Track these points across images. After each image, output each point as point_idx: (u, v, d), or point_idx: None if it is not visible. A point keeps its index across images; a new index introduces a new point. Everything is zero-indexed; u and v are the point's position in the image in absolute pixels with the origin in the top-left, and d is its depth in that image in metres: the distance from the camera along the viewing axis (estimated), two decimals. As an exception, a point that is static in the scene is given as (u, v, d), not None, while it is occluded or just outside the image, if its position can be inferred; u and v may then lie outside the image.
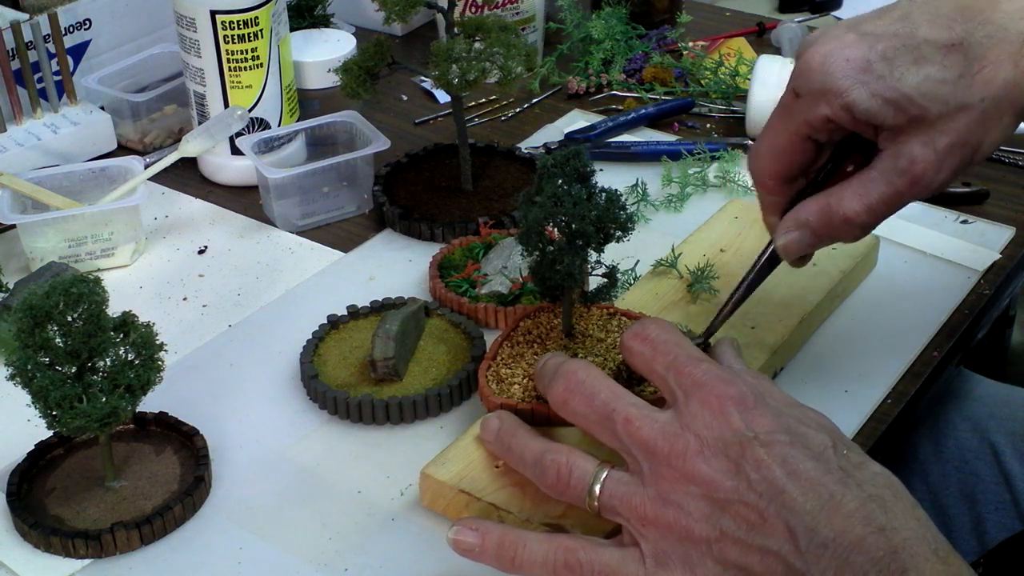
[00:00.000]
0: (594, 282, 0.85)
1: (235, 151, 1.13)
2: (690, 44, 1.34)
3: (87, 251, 1.03)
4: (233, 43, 1.09)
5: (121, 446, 0.83)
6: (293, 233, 1.08)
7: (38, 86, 1.18)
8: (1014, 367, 1.43)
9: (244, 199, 1.13)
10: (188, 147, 1.10)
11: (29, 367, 0.73)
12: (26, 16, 1.18)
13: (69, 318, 0.72)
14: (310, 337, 0.92)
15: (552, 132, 1.23)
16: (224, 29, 1.08)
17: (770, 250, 0.81)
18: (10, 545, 0.78)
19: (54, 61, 1.19)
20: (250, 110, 1.12)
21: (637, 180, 1.10)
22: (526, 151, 1.16)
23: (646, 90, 1.28)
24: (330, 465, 0.83)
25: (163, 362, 0.77)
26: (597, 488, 0.67)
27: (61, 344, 0.72)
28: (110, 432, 0.77)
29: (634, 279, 0.94)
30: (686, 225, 1.03)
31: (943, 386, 1.03)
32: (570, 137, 1.20)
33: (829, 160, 0.78)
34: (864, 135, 0.75)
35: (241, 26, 1.08)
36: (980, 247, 1.02)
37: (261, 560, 0.76)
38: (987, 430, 1.07)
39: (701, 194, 1.11)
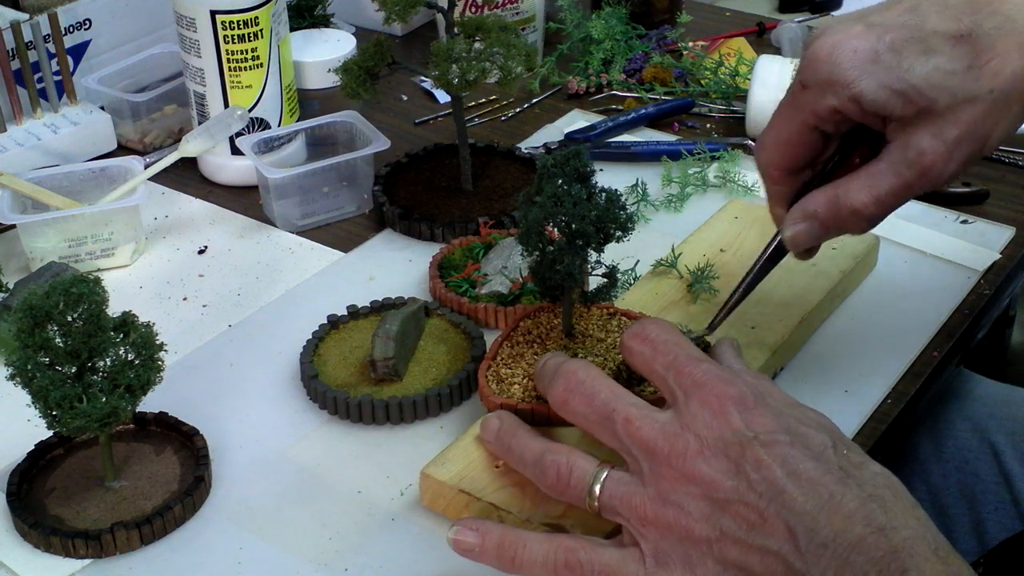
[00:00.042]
0: (594, 282, 0.85)
1: (235, 151, 1.13)
2: (690, 44, 1.34)
3: (87, 251, 1.03)
4: (233, 43, 1.09)
5: (121, 446, 0.83)
6: (293, 233, 1.08)
7: (38, 86, 1.18)
8: (1014, 367, 1.43)
9: (244, 199, 1.13)
10: (188, 147, 1.10)
11: (29, 367, 0.73)
12: (26, 16, 1.18)
13: (69, 318, 0.72)
14: (310, 337, 0.92)
15: (552, 132, 1.23)
16: (224, 29, 1.08)
17: (776, 242, 0.81)
18: (10, 545, 0.78)
19: (54, 61, 1.19)
20: (250, 110, 1.12)
21: (637, 180, 1.10)
22: (526, 151, 1.16)
23: (646, 90, 1.28)
24: (330, 465, 0.83)
25: (163, 362, 0.77)
26: (597, 488, 0.67)
27: (61, 344, 0.72)
28: (110, 432, 0.77)
29: (634, 279, 0.94)
30: (686, 225, 1.03)
31: (943, 386, 1.03)
32: (570, 137, 1.20)
33: (836, 152, 0.78)
34: (872, 126, 0.74)
35: (241, 26, 1.08)
36: (980, 247, 1.02)
37: (261, 560, 0.76)
38: (987, 430, 1.07)
39: (701, 194, 1.11)
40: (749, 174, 1.12)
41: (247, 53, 1.09)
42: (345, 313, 0.94)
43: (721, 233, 0.99)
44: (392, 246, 1.06)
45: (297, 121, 1.17)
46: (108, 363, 0.74)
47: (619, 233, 0.77)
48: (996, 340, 1.35)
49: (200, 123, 1.13)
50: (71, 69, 1.21)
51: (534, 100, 1.29)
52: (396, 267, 1.03)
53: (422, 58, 1.20)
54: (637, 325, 0.72)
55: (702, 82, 1.29)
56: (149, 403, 0.79)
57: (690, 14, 1.39)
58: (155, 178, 1.09)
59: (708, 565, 0.63)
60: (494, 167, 1.13)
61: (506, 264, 0.96)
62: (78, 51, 1.23)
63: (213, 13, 1.07)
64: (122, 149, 1.22)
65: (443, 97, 1.30)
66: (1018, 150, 1.16)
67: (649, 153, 1.16)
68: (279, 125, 1.15)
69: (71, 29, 1.22)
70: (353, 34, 1.38)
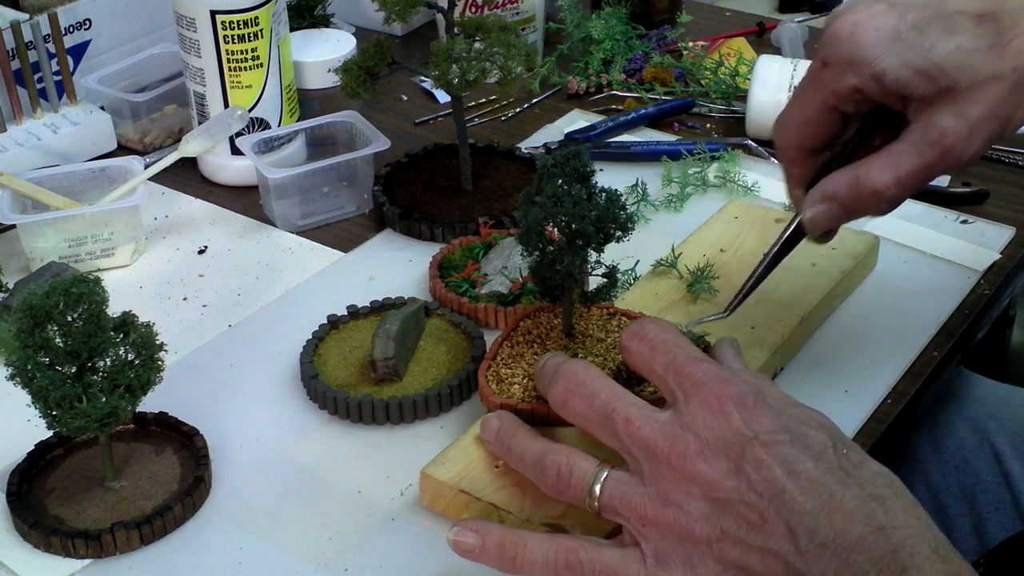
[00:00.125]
0: (594, 282, 0.85)
1: (235, 151, 1.13)
2: (690, 44, 1.34)
3: (87, 251, 1.03)
4: (233, 43, 1.09)
5: (121, 446, 0.83)
6: (293, 233, 1.08)
7: (38, 86, 1.18)
8: (1014, 367, 1.43)
9: (244, 199, 1.13)
10: (188, 147, 1.10)
11: (29, 367, 0.73)
12: (26, 16, 1.18)
13: (69, 318, 0.72)
14: (310, 337, 0.92)
15: (552, 132, 1.23)
16: (224, 29, 1.08)
17: (794, 224, 0.80)
18: (10, 545, 0.78)
19: (54, 61, 1.19)
20: (250, 110, 1.12)
21: (637, 180, 1.10)
22: (526, 151, 1.16)
23: (646, 90, 1.28)
24: (330, 465, 0.83)
25: (163, 362, 0.77)
26: (597, 488, 0.67)
27: (61, 344, 0.72)
28: (110, 432, 0.77)
29: (634, 279, 0.94)
30: (686, 225, 1.03)
31: (943, 386, 1.03)
32: (570, 137, 1.20)
33: (856, 134, 0.77)
34: (892, 106, 0.74)
35: (241, 26, 1.08)
36: (980, 247, 1.02)
37: (261, 560, 0.76)
38: (987, 430, 1.07)
39: (701, 194, 1.11)
40: (749, 174, 1.12)
41: (247, 53, 1.09)
42: (345, 313, 0.94)
43: (721, 233, 0.99)
44: (392, 246, 1.06)
45: (297, 121, 1.17)
46: (108, 363, 0.74)
47: (619, 233, 0.77)
48: (996, 340, 1.35)
49: (200, 123, 1.13)
50: (71, 69, 1.21)
51: (534, 100, 1.29)
52: (396, 267, 1.03)
53: (422, 58, 1.20)
54: (635, 325, 0.72)
55: (702, 82, 1.29)
56: (149, 403, 0.79)
57: (690, 14, 1.39)
58: (155, 178, 1.09)
59: (708, 565, 0.63)
60: (494, 167, 1.13)
61: (506, 264, 0.96)
62: (78, 51, 1.23)
63: (213, 13, 1.07)
64: (122, 149, 1.22)
65: (443, 97, 1.30)
66: (1018, 150, 1.16)
67: (649, 153, 1.16)
68: (279, 125, 1.15)
69: (71, 29, 1.22)
70: (353, 34, 1.38)
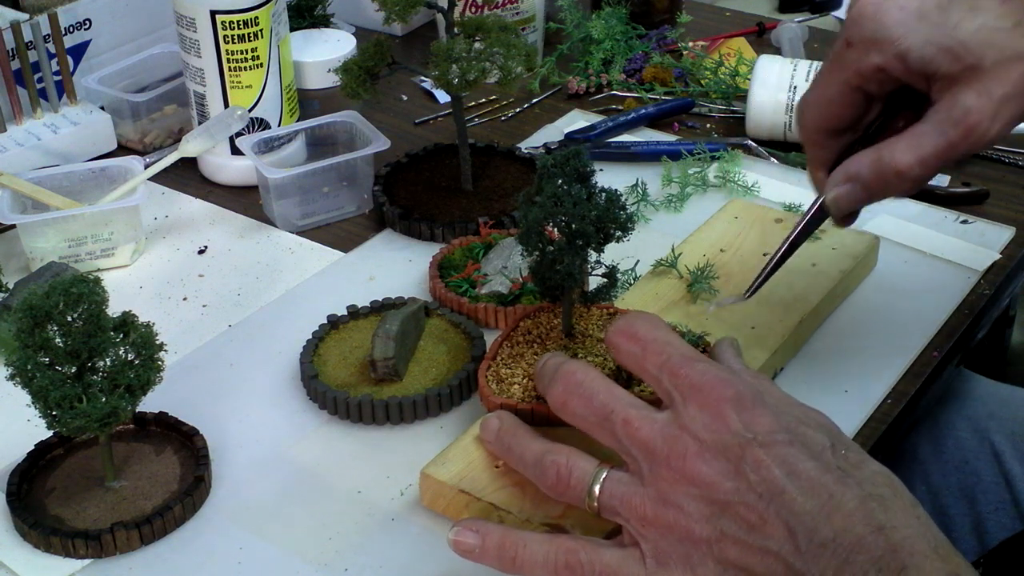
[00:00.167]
0: (594, 282, 0.85)
1: (235, 151, 1.13)
2: (690, 44, 1.34)
3: (87, 251, 1.03)
4: (233, 43, 1.09)
5: (121, 446, 0.83)
6: (293, 233, 1.08)
7: (38, 86, 1.18)
8: (1014, 367, 1.43)
9: (244, 199, 1.13)
10: (188, 147, 1.10)
11: (29, 367, 0.73)
12: (26, 16, 1.18)
13: (69, 318, 0.72)
14: (310, 337, 0.92)
15: (552, 132, 1.23)
16: (224, 29, 1.08)
17: (816, 206, 0.80)
18: (10, 545, 0.78)
19: (54, 61, 1.19)
20: (250, 110, 1.12)
21: (637, 180, 1.10)
22: (526, 151, 1.16)
23: (646, 90, 1.28)
24: (330, 465, 0.83)
25: (163, 362, 0.77)
26: (597, 488, 0.67)
27: (61, 344, 0.72)
28: (110, 432, 0.77)
29: (634, 279, 0.94)
30: (686, 225, 1.03)
31: (943, 386, 1.03)
32: (570, 137, 1.20)
33: (879, 116, 0.77)
34: (915, 86, 0.74)
35: (241, 26, 1.08)
36: (980, 247, 1.02)
37: (261, 560, 0.76)
38: (987, 430, 1.07)
39: (701, 194, 1.11)
40: (749, 174, 1.12)
41: (247, 53, 1.09)
42: (345, 313, 0.94)
43: (721, 233, 0.99)
44: (392, 246, 1.06)
45: (297, 121, 1.17)
46: (108, 363, 0.74)
47: (619, 233, 0.77)
48: (996, 340, 1.35)
49: (200, 123, 1.13)
50: (71, 69, 1.21)
51: (534, 100, 1.29)
52: (396, 267, 1.03)
53: (422, 58, 1.20)
54: (623, 321, 0.70)
55: (702, 82, 1.29)
56: (149, 403, 0.79)
57: (690, 14, 1.39)
58: (155, 178, 1.09)
59: (708, 565, 0.63)
60: (494, 167, 1.13)
61: (506, 264, 0.96)
62: (78, 51, 1.23)
63: (213, 13, 1.07)
64: (122, 149, 1.22)
65: (443, 97, 1.30)
66: (1018, 150, 1.16)
67: (649, 153, 1.16)
68: (279, 125, 1.15)
69: (71, 29, 1.22)
70: (353, 34, 1.38)
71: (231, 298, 1.01)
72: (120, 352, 0.75)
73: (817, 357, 0.91)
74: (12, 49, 1.16)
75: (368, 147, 1.09)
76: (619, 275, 0.83)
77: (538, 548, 0.67)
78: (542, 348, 0.83)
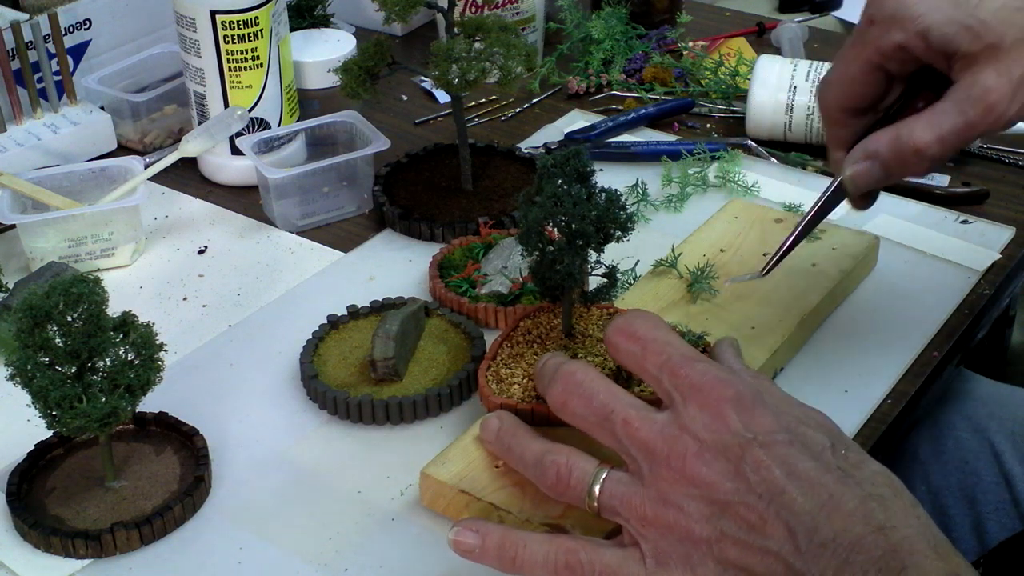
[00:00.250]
0: (594, 282, 0.85)
1: (235, 151, 1.13)
2: (690, 44, 1.34)
3: (87, 251, 1.03)
4: (233, 43, 1.09)
5: (121, 446, 0.83)
6: (293, 233, 1.08)
7: (38, 86, 1.18)
8: (1014, 367, 1.43)
9: (244, 199, 1.13)
10: (188, 147, 1.10)
11: (29, 367, 0.73)
12: (26, 16, 1.18)
13: (69, 318, 0.72)
14: (310, 337, 0.92)
15: (552, 132, 1.23)
16: (224, 29, 1.08)
17: (833, 186, 0.80)
18: (10, 545, 0.78)
19: (54, 61, 1.19)
20: (250, 110, 1.12)
21: (637, 180, 1.10)
22: (526, 151, 1.16)
23: (646, 90, 1.28)
24: (330, 465, 0.83)
25: (163, 362, 0.77)
26: (597, 488, 0.67)
27: (61, 344, 0.72)
28: (110, 432, 0.77)
29: (634, 279, 0.94)
30: (686, 225, 1.03)
31: (943, 386, 1.03)
32: (570, 137, 1.20)
33: (900, 97, 0.78)
34: (936, 66, 0.74)
35: (241, 26, 1.08)
36: (980, 247, 1.02)
37: (261, 560, 0.76)
38: (987, 430, 1.07)
39: (701, 194, 1.11)
40: (749, 174, 1.12)
41: (247, 53, 1.09)
42: (345, 313, 0.94)
43: (721, 233, 0.99)
44: (392, 246, 1.06)
45: (297, 121, 1.17)
46: (108, 363, 0.74)
47: (619, 233, 0.77)
48: (996, 340, 1.35)
49: (200, 123, 1.13)
50: (71, 69, 1.21)
51: (534, 100, 1.29)
52: (396, 267, 1.03)
53: (422, 58, 1.20)
54: (622, 320, 0.70)
55: (702, 82, 1.29)
56: (149, 403, 0.79)
57: (690, 14, 1.39)
58: (155, 178, 1.09)
59: (708, 565, 0.63)
60: (494, 167, 1.13)
61: (506, 264, 0.96)
62: (78, 51, 1.23)
63: (213, 13, 1.07)
64: (122, 149, 1.22)
65: (443, 97, 1.30)
66: (1018, 150, 1.16)
67: (649, 153, 1.16)
68: (279, 125, 1.15)
69: (71, 29, 1.22)
70: (353, 34, 1.38)
71: (231, 298, 1.01)
72: (120, 352, 0.75)
73: (817, 357, 0.91)
74: (12, 49, 1.16)
75: (368, 147, 1.09)
76: (619, 275, 0.83)
77: (538, 548, 0.67)
78: (542, 348, 0.83)
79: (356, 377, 0.88)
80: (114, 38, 1.26)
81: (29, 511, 0.78)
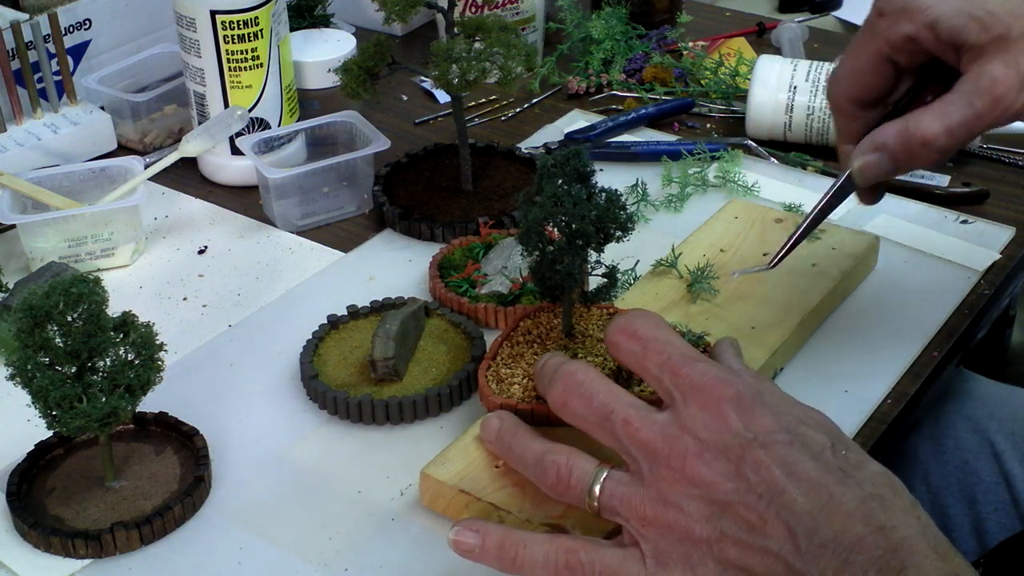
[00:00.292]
0: (594, 282, 0.85)
1: (235, 151, 1.13)
2: (690, 44, 1.34)
3: (87, 251, 1.03)
4: (233, 43, 1.09)
5: (121, 446, 0.83)
6: (293, 233, 1.08)
7: (38, 86, 1.18)
8: (1014, 367, 1.43)
9: (244, 199, 1.13)
10: (188, 147, 1.10)
11: (29, 367, 0.73)
12: (26, 16, 1.18)
13: (69, 318, 0.72)
14: (310, 337, 0.92)
15: (552, 132, 1.23)
16: (224, 29, 1.08)
17: (842, 180, 0.81)
18: (10, 545, 0.78)
19: (54, 61, 1.19)
20: (250, 110, 1.12)
21: (637, 180, 1.10)
22: (526, 151, 1.16)
23: (646, 90, 1.28)
24: (330, 465, 0.83)
25: (163, 362, 0.77)
26: (597, 488, 0.67)
27: (61, 344, 0.72)
28: (110, 432, 0.77)
29: (634, 279, 0.94)
30: (686, 225, 1.03)
31: (943, 386, 1.03)
32: (570, 137, 1.20)
33: (909, 91, 0.78)
34: (944, 58, 0.75)
35: (241, 26, 1.08)
36: (980, 247, 1.02)
37: (261, 560, 0.76)
38: (987, 430, 1.07)
39: (701, 194, 1.11)
40: (749, 174, 1.12)
41: (247, 53, 1.09)
42: (345, 313, 0.94)
43: (721, 233, 0.99)
44: (392, 246, 1.06)
45: (297, 121, 1.17)
46: (108, 363, 0.74)
47: (619, 233, 0.77)
48: (996, 340, 1.35)
49: (200, 123, 1.13)
50: (71, 69, 1.21)
51: (534, 100, 1.29)
52: (396, 267, 1.03)
53: (422, 58, 1.20)
54: (623, 319, 0.70)
55: (702, 82, 1.29)
56: (149, 403, 0.79)
57: (690, 14, 1.39)
58: (155, 178, 1.09)
59: (708, 565, 0.63)
60: (494, 167, 1.13)
61: (506, 264, 0.96)
62: (78, 51, 1.23)
63: (213, 13, 1.07)
64: (122, 149, 1.22)
65: (443, 97, 1.30)
66: (1018, 150, 1.16)
67: (649, 153, 1.16)
68: (279, 125, 1.15)
69: (71, 29, 1.22)
70: (353, 34, 1.38)
71: (231, 298, 1.01)
72: (120, 352, 0.75)
73: (817, 357, 0.91)
74: (12, 49, 1.16)
75: (368, 147, 1.09)
76: (619, 275, 0.83)
77: (538, 548, 0.67)
78: (542, 348, 0.83)
79: (356, 377, 0.88)
80: (114, 38, 1.26)
81: (29, 511, 0.78)
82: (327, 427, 0.86)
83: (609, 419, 0.67)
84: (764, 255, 0.93)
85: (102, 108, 1.21)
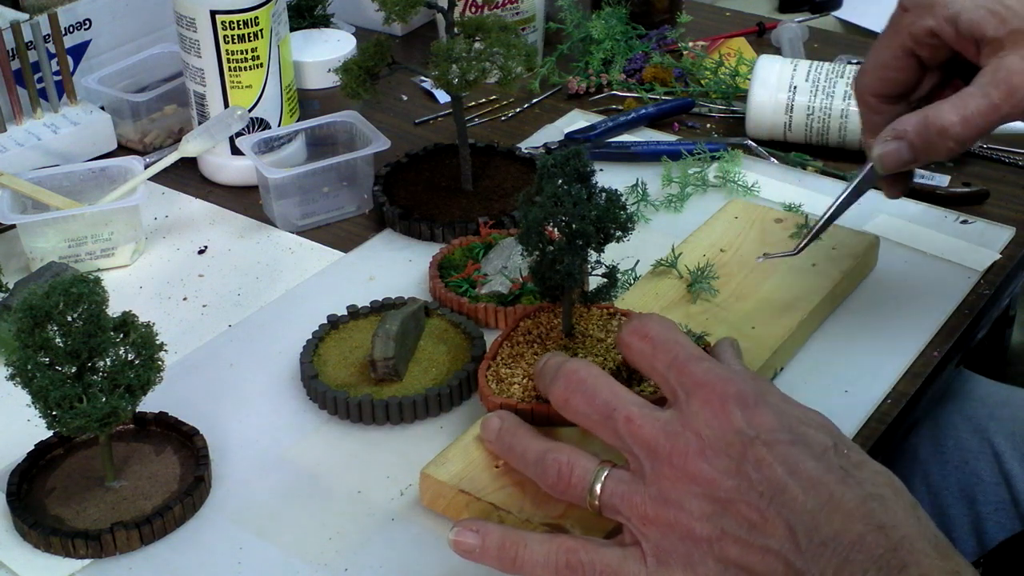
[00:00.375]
0: (594, 282, 0.85)
1: (235, 151, 1.13)
2: (690, 44, 1.34)
3: (87, 251, 1.03)
4: (233, 43, 1.09)
5: (121, 446, 0.83)
6: (293, 233, 1.08)
7: (38, 86, 1.18)
8: (1014, 367, 1.43)
9: (244, 199, 1.13)
10: (188, 147, 1.10)
11: (29, 367, 0.73)
12: (26, 16, 1.18)
13: (69, 318, 0.72)
14: (310, 337, 0.92)
15: (552, 132, 1.23)
16: (224, 29, 1.08)
17: (866, 169, 0.83)
18: (10, 545, 0.78)
19: (54, 61, 1.19)
20: (250, 110, 1.12)
21: (637, 180, 1.10)
22: (526, 151, 1.16)
23: (646, 90, 1.28)
24: (330, 465, 0.83)
25: (163, 362, 0.77)
26: (598, 487, 0.67)
27: (61, 344, 0.72)
28: (110, 432, 0.77)
29: (634, 279, 0.94)
30: (686, 225, 1.03)
31: (943, 386, 1.03)
32: (570, 137, 1.20)
33: (933, 89, 0.80)
34: (965, 53, 0.77)
35: (241, 26, 1.08)
36: (980, 247, 1.02)
37: (261, 560, 0.76)
38: (987, 430, 1.07)
39: (701, 194, 1.11)
40: (749, 174, 1.12)
41: (247, 53, 1.09)
42: (345, 313, 0.94)
43: (721, 233, 0.99)
44: (392, 246, 1.06)
45: (297, 121, 1.17)
46: (108, 363, 0.74)
47: (619, 233, 0.77)
48: (996, 340, 1.35)
49: (200, 123, 1.13)
50: (71, 69, 1.21)
51: (534, 100, 1.29)
52: (396, 267, 1.03)
53: (422, 58, 1.20)
54: (636, 321, 0.71)
55: (702, 82, 1.29)
56: (149, 403, 0.79)
57: (690, 14, 1.39)
58: (155, 178, 1.09)
59: (709, 564, 0.63)
60: (494, 167, 1.13)
61: (506, 264, 0.96)
62: (78, 51, 1.23)
63: (213, 13, 1.07)
64: (122, 149, 1.22)
65: (443, 97, 1.30)
66: (1018, 150, 1.16)
67: (649, 153, 1.16)
68: (279, 125, 1.15)
69: (71, 29, 1.22)
70: (353, 34, 1.38)
71: (231, 298, 1.01)
72: (120, 352, 0.75)
73: (817, 357, 0.91)
74: (12, 49, 1.16)
75: (368, 147, 1.09)
76: (619, 275, 0.83)
77: (538, 548, 0.67)
78: (542, 348, 0.83)
79: (356, 377, 0.88)
80: (114, 38, 1.26)
81: (29, 511, 0.78)
82: (327, 427, 0.86)
83: (611, 416, 0.67)
84: (764, 254, 0.93)
85: (102, 108, 1.21)
